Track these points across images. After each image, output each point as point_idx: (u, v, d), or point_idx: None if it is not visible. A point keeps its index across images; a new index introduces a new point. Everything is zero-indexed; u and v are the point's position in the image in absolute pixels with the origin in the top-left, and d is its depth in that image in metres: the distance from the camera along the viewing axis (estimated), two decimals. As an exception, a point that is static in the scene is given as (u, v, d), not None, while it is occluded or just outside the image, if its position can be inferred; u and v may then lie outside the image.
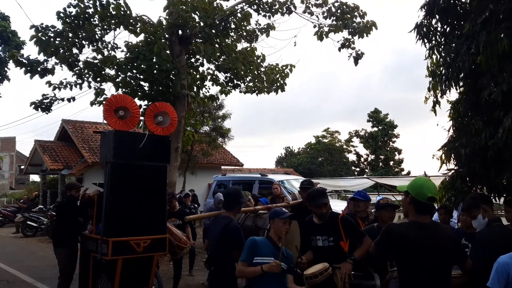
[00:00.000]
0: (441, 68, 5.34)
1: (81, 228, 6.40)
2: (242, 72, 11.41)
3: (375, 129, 46.11)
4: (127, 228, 5.54)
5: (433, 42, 5.56)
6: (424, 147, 75.58)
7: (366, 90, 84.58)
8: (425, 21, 5.47)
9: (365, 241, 3.84)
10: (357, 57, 10.89)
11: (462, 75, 5.02)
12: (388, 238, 2.82)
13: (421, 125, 78.90)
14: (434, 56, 5.59)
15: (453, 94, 5.50)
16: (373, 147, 45.73)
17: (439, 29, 5.51)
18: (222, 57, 11.13)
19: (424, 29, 5.47)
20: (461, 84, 5.27)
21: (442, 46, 5.52)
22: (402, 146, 47.31)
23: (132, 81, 10.66)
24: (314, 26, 11.04)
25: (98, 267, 5.78)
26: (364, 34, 10.54)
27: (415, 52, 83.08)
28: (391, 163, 45.92)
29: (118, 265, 5.44)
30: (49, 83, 10.95)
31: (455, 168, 5.29)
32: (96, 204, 5.90)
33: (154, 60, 9.98)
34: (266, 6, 11.04)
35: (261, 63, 11.98)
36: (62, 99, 11.31)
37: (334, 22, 10.81)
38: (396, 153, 46.40)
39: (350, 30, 10.64)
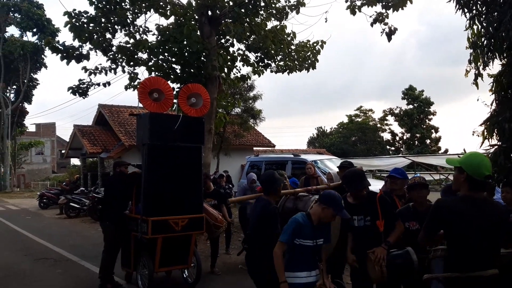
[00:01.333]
0: (483, 39, 5.09)
1: (127, 204, 6.39)
2: (273, 51, 11.28)
3: (410, 106, 44.84)
4: (165, 208, 5.68)
5: (474, 11, 5.29)
6: (462, 124, 73.12)
7: (400, 66, 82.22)
8: (465, -11, 5.20)
9: (398, 226, 3.82)
10: (390, 33, 10.48)
11: (505, 45, 4.76)
12: (438, 213, 2.72)
13: (459, 101, 76.30)
14: (475, 27, 5.34)
15: (496, 66, 5.25)
16: (408, 125, 44.57)
17: (480, -3, 5.24)
18: (252, 36, 11.02)
19: (464, -2, 5.21)
20: (504, 55, 5.01)
21: (484, 16, 5.24)
22: (439, 123, 46.02)
23: (164, 64, 10.77)
24: (346, 0, 10.71)
25: (139, 246, 5.98)
26: (399, 7, 10.14)
27: (451, 24, 79.53)
28: (428, 141, 44.69)
29: (158, 243, 5.62)
30: (85, 69, 11.23)
31: (498, 143, 5.08)
32: (135, 185, 6.06)
33: (185, 42, 10.01)
34: (296, -18, 10.79)
35: (292, 41, 11.79)
36: (98, 84, 11.59)
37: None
38: (432, 131, 45.07)
39: (384, 3, 10.25)
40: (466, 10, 5.32)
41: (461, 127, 75.04)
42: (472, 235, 2.58)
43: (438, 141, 45.02)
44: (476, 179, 2.64)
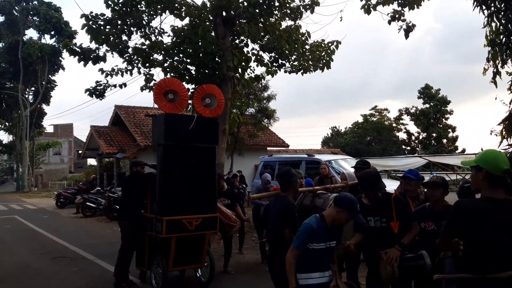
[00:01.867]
0: (501, 36, 4.99)
1: (144, 204, 6.39)
2: (287, 51, 11.26)
3: (427, 105, 44.25)
4: (180, 208, 5.72)
5: (492, 8, 5.19)
6: (480, 123, 71.84)
7: (416, 65, 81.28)
8: (483, -14, 5.10)
9: (414, 227, 3.77)
10: (408, 30, 10.36)
11: (525, 43, 4.67)
12: (459, 215, 2.65)
13: (477, 100, 75.04)
14: (493, 24, 5.22)
15: (515, 64, 5.14)
16: (424, 124, 43.99)
17: (499, -6, 5.13)
18: (267, 36, 11.02)
19: (482, -5, 5.11)
20: (524, 52, 4.91)
21: (502, 13, 5.13)
22: (456, 123, 45.30)
23: (179, 65, 10.85)
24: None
25: (153, 245, 6.03)
26: (415, 5, 10.02)
27: (468, 22, 78.14)
28: (444, 141, 44.04)
29: (172, 243, 5.65)
30: (101, 71, 11.38)
31: (517, 143, 4.98)
32: (150, 184, 6.11)
33: (200, 43, 10.06)
34: (310, -19, 10.75)
35: (306, 41, 11.74)
36: (115, 86, 11.74)
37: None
38: (449, 130, 44.41)
39: (400, 1, 10.13)
40: (484, 7, 5.22)
41: (479, 126, 73.84)
42: (492, 236, 2.52)
43: (455, 140, 44.35)
44: (496, 174, 2.58)
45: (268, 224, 4.15)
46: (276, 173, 12.36)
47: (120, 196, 9.57)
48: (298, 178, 4.16)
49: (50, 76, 38.49)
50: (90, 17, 10.65)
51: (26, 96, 38.09)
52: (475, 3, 5.18)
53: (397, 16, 10.29)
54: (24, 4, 36.52)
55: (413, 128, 46.77)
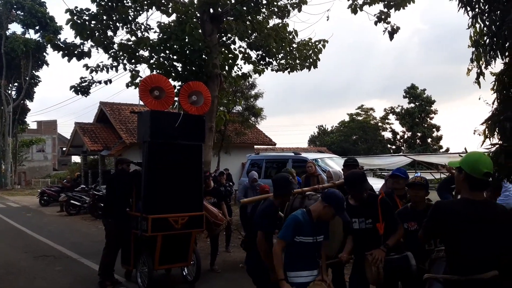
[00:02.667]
0: (485, 37, 5.04)
1: (129, 202, 6.35)
2: (274, 49, 11.26)
3: (412, 105, 44.76)
4: (165, 206, 5.68)
5: (477, 9, 5.24)
6: (464, 123, 73.01)
7: (402, 65, 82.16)
8: (468, -13, 5.15)
9: (399, 229, 3.81)
10: (393, 32, 10.47)
11: (508, 44, 4.73)
12: (437, 215, 2.70)
13: (461, 100, 76.17)
14: (477, 25, 5.28)
15: (498, 65, 5.21)
16: (409, 124, 44.52)
17: (483, -5, 5.19)
18: (254, 34, 11.00)
19: (467, -4, 5.16)
20: (506, 54, 4.97)
21: (486, 14, 5.20)
22: (440, 122, 45.96)
23: (165, 62, 10.76)
24: (348, -1, 10.68)
25: (139, 243, 5.98)
26: (401, 7, 10.12)
27: (454, 23, 79.27)
28: (429, 140, 44.63)
29: (158, 241, 5.62)
30: (86, 66, 11.22)
31: (499, 142, 5.05)
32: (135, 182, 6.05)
33: (186, 40, 9.99)
34: (298, -20, 10.77)
35: (293, 39, 11.77)
36: (100, 82, 11.60)
37: (369, -6, 10.40)
38: (434, 129, 45.01)
39: (386, 2, 10.22)
40: (468, 8, 5.26)
41: (462, 126, 75.02)
42: (471, 238, 2.56)
43: (439, 139, 44.96)
44: (475, 177, 2.61)
45: (247, 226, 4.16)
46: (263, 171, 12.40)
47: (104, 194, 9.46)
48: (294, 188, 4.13)
49: (34, 71, 37.79)
50: (74, 11, 10.48)
51: (9, 91, 37.34)
52: (459, 4, 5.23)
53: (383, 17, 10.38)
54: (8, -3, 35.74)
55: (398, 128, 47.32)
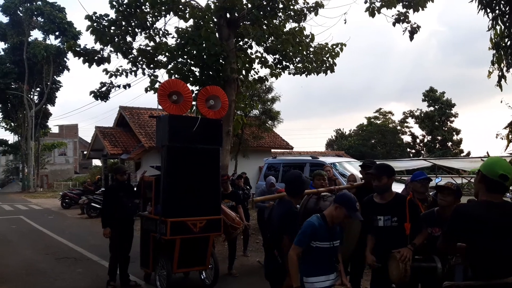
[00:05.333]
0: (506, 40, 4.97)
1: (130, 210, 6.57)
2: (291, 53, 11.25)
3: (431, 108, 44.08)
4: (184, 209, 5.73)
5: (497, 11, 5.16)
6: (486, 127, 71.43)
7: (420, 67, 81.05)
8: (488, -11, 5.08)
9: (424, 231, 3.79)
10: (413, 31, 10.36)
11: (530, 46, 4.64)
12: (458, 219, 2.65)
13: (482, 103, 74.64)
14: (498, 27, 5.20)
15: (520, 68, 5.11)
16: (429, 127, 43.84)
17: (503, -3, 5.11)
18: (271, 38, 11.01)
19: (487, -2, 5.09)
20: (529, 56, 4.88)
21: (507, 16, 5.11)
22: (461, 126, 45.12)
23: (183, 67, 10.86)
24: (365, 2, 10.61)
25: (157, 246, 6.04)
26: (419, 8, 10.00)
27: (473, 25, 77.81)
28: (449, 144, 43.84)
29: (176, 244, 5.66)
30: (105, 71, 11.42)
31: (523, 146, 4.95)
32: (154, 186, 6.13)
33: (204, 44, 10.07)
34: (314, -17, 10.73)
35: (310, 43, 11.73)
36: (119, 86, 11.77)
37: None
38: (454, 133, 44.21)
39: (405, 3, 10.12)
40: (488, 10, 5.19)
41: (484, 129, 73.42)
42: (493, 241, 2.50)
43: (459, 143, 44.13)
44: (491, 178, 2.59)
45: (270, 226, 4.13)
46: (280, 175, 12.38)
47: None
48: (308, 185, 4.10)
49: (55, 76, 38.68)
50: (94, 18, 10.68)
51: (31, 96, 38.28)
52: (479, 6, 5.16)
53: (402, 18, 10.28)
54: (28, 4, 36.70)
55: (417, 131, 46.65)
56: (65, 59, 37.99)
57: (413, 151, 46.74)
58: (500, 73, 5.12)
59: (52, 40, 37.53)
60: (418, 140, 46.99)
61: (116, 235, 6.46)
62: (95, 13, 10.73)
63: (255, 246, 9.23)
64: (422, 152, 45.28)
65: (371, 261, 3.81)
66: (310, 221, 3.46)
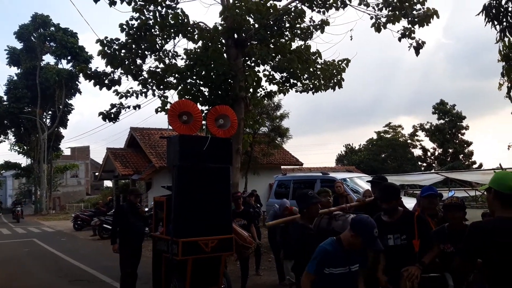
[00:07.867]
0: (515, 51, 4.96)
1: (138, 228, 6.83)
2: (298, 71, 11.33)
3: (442, 121, 43.76)
4: (195, 229, 5.71)
5: (504, 23, 5.18)
6: (497, 139, 70.61)
7: (429, 81, 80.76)
8: (494, 1, 5.11)
9: (435, 247, 3.74)
10: (418, 47, 10.42)
11: (539, 57, 4.63)
12: (474, 236, 2.60)
13: (493, 114, 73.86)
14: (506, 39, 5.21)
15: (530, 79, 5.09)
16: (440, 140, 43.40)
17: (510, 9, 5.13)
18: (278, 57, 11.13)
19: (493, 11, 5.11)
20: (538, 67, 4.86)
21: (515, 28, 5.12)
22: (472, 138, 44.59)
23: (193, 87, 10.99)
24: (371, 18, 10.71)
25: (169, 267, 6.01)
26: (425, 23, 10.07)
27: (480, 37, 77.66)
28: (461, 156, 43.32)
29: (188, 265, 5.63)
30: (116, 92, 11.60)
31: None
32: (165, 206, 6.14)
33: (212, 65, 10.22)
34: (319, 2, 10.86)
35: (317, 60, 11.82)
36: (129, 107, 11.93)
37: (391, 12, 10.41)
38: (465, 145, 43.73)
39: (410, 19, 10.20)
40: (496, 23, 5.21)
41: (496, 141, 72.47)
42: (505, 256, 2.46)
43: (471, 155, 43.59)
44: (504, 193, 2.55)
45: (285, 245, 4.11)
46: (290, 191, 12.30)
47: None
48: (314, 200, 4.08)
49: (67, 100, 39.38)
50: (105, 42, 10.92)
51: (44, 120, 38.90)
52: (486, 18, 5.18)
53: (407, 33, 10.35)
54: (42, 30, 37.67)
55: (428, 144, 46.21)
56: (77, 82, 38.75)
57: (425, 164, 46.23)
58: (509, 85, 5.10)
59: (64, 64, 38.40)
60: (429, 153, 46.52)
61: (127, 254, 6.62)
62: (106, 37, 10.99)
63: (268, 265, 9.14)
64: (433, 165, 44.76)
65: (384, 283, 3.76)
66: (323, 246, 3.27)
